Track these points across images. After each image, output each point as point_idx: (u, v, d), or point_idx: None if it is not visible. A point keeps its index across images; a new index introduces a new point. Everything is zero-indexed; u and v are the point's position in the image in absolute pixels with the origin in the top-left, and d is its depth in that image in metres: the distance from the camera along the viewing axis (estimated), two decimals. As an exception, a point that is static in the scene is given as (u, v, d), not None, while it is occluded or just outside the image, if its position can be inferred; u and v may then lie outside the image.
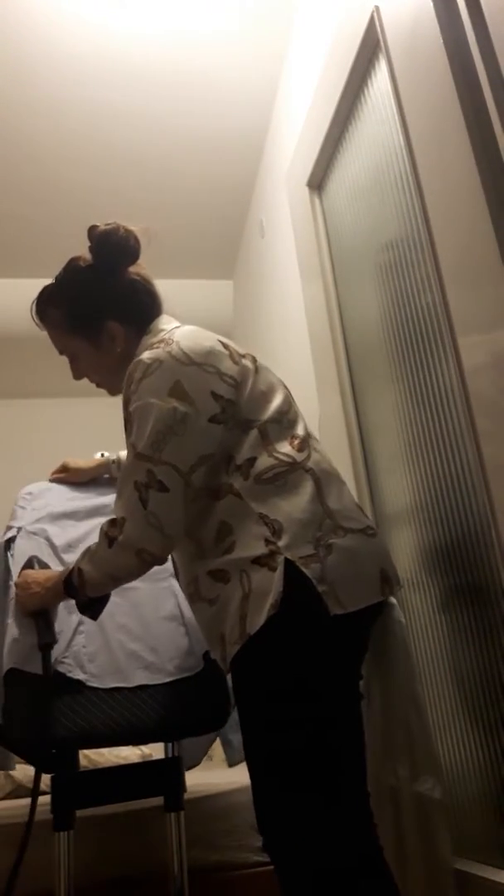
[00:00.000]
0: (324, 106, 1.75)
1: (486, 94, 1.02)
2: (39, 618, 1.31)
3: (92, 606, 1.22)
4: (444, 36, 1.10)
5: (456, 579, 1.28)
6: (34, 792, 1.23)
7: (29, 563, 1.42)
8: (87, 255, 1.31)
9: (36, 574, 1.33)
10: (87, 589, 1.17)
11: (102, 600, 1.24)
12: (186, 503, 1.08)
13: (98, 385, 1.36)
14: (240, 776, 1.69)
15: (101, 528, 1.13)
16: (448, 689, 1.33)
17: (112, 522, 1.11)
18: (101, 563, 1.13)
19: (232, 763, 1.55)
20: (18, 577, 1.35)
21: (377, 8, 1.37)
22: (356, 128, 1.65)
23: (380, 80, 1.47)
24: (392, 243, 1.45)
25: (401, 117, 1.26)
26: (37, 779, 1.22)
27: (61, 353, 1.35)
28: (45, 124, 2.35)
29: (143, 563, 1.10)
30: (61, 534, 1.60)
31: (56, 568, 1.42)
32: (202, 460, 1.09)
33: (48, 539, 1.59)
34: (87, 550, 1.17)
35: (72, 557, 1.44)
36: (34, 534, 1.58)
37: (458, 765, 1.30)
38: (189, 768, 1.56)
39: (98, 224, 1.29)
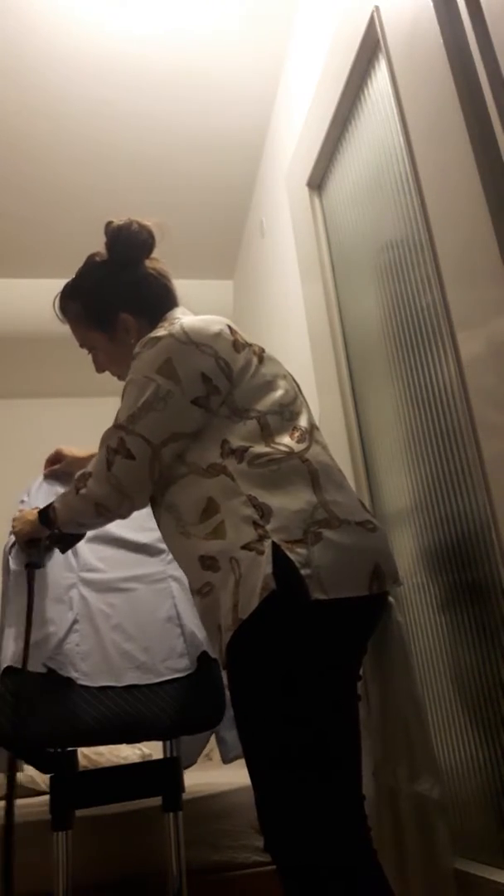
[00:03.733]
0: (324, 106, 1.75)
1: (486, 94, 1.02)
2: (31, 545, 1.46)
3: (63, 540, 1.39)
4: (444, 36, 1.10)
5: (456, 579, 1.28)
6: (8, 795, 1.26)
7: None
8: (104, 251, 1.36)
9: (29, 510, 1.47)
10: (57, 522, 1.31)
11: (74, 538, 1.40)
12: (152, 472, 1.15)
13: (119, 378, 1.37)
14: (239, 776, 1.69)
15: (75, 476, 1.25)
16: (448, 689, 1.33)
17: (83, 474, 1.23)
18: (68, 507, 1.28)
19: (226, 760, 1.55)
20: (17, 514, 1.50)
21: (377, 8, 1.37)
22: (356, 128, 1.65)
23: (380, 80, 1.47)
24: (392, 243, 1.45)
25: (401, 117, 1.26)
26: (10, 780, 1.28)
27: (82, 345, 1.41)
28: (45, 124, 2.35)
29: (99, 514, 1.21)
30: None
31: (70, 558, 1.54)
32: (176, 437, 1.14)
33: None
34: (64, 492, 1.30)
35: (87, 548, 1.57)
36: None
37: (458, 765, 1.30)
38: (185, 768, 1.56)
39: (113, 220, 1.35)
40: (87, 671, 1.36)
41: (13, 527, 1.48)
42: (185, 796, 1.43)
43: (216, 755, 1.80)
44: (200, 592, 1.11)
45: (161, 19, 2.07)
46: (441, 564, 1.32)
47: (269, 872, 1.51)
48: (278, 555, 1.00)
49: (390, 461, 1.55)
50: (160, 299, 1.34)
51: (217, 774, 1.92)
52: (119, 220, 1.35)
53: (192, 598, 1.21)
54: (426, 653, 1.39)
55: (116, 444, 1.15)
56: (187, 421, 1.14)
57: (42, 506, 1.69)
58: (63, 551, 1.45)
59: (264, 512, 1.04)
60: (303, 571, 0.99)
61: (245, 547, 1.04)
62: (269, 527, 1.03)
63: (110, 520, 1.26)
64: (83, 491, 1.21)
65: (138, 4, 2.02)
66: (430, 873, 1.11)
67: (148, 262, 1.36)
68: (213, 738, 1.60)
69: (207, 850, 1.54)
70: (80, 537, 1.42)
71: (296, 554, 1.00)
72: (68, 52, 2.12)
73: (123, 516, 1.24)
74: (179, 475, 1.15)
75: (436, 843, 1.11)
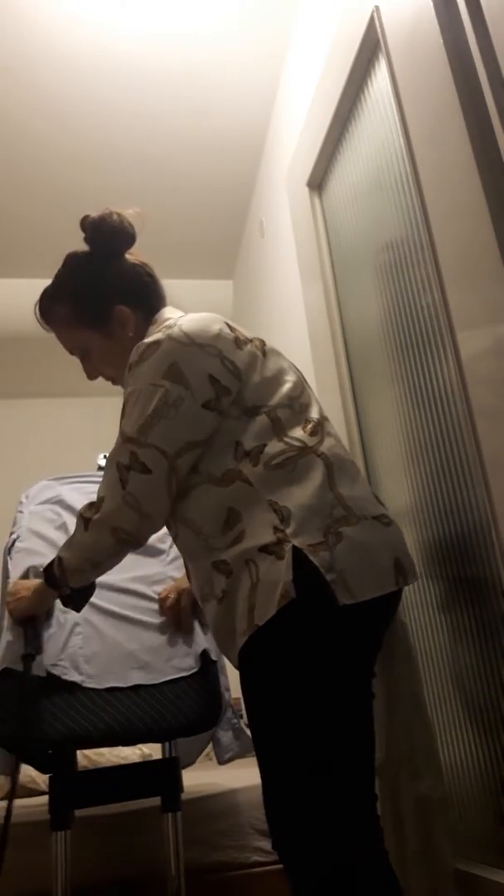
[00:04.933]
0: (324, 106, 1.75)
1: (486, 94, 1.02)
2: (28, 625, 1.32)
3: (75, 599, 1.23)
4: (444, 36, 1.10)
5: (456, 578, 1.28)
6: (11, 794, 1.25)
7: (25, 575, 1.43)
8: (84, 247, 1.30)
9: (26, 582, 1.32)
10: (67, 577, 1.17)
11: (86, 593, 1.24)
12: (170, 486, 1.07)
13: (114, 381, 1.32)
14: (239, 776, 1.69)
15: (79, 512, 1.14)
16: (448, 689, 1.33)
17: (90, 504, 1.12)
18: (78, 547, 1.14)
19: (221, 761, 1.54)
20: (11, 586, 1.36)
21: (377, 8, 1.37)
22: (356, 128, 1.65)
23: (380, 80, 1.47)
24: (392, 243, 1.45)
25: (401, 117, 1.26)
26: (14, 782, 1.24)
27: (71, 352, 1.32)
28: (45, 124, 2.35)
29: (118, 542, 1.10)
30: (82, 500, 1.63)
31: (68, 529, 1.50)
32: (190, 446, 1.07)
33: (61, 500, 1.63)
34: (67, 540, 1.18)
35: None
36: (43, 509, 1.61)
37: (458, 765, 1.30)
38: (184, 767, 1.56)
39: (89, 214, 1.29)
40: (92, 673, 1.35)
41: (8, 604, 1.32)
42: (184, 796, 1.43)
43: (216, 755, 1.80)
44: (216, 597, 1.07)
45: (161, 19, 2.07)
46: (441, 564, 1.32)
47: (268, 872, 1.52)
48: (299, 560, 0.98)
49: (390, 461, 1.55)
50: (152, 290, 1.29)
51: (217, 774, 1.92)
52: (96, 212, 1.29)
53: (204, 605, 1.16)
54: (426, 652, 1.39)
55: (128, 459, 1.07)
56: (200, 427, 1.08)
57: (40, 511, 1.67)
58: (77, 610, 1.28)
59: (284, 516, 1.02)
60: (328, 577, 0.97)
61: (263, 549, 1.01)
62: (289, 530, 1.00)
63: (128, 549, 1.14)
64: (96, 517, 1.10)
65: (138, 5, 2.02)
66: (430, 873, 1.11)
67: (130, 257, 1.31)
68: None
69: (207, 850, 1.54)
70: (91, 592, 1.26)
71: (319, 558, 0.98)
72: (68, 52, 2.12)
73: (142, 542, 1.13)
74: (191, 485, 1.10)
75: (436, 843, 1.11)
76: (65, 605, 1.25)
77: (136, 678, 1.37)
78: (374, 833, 0.97)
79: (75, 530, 1.15)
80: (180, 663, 1.40)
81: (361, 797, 0.98)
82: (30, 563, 1.47)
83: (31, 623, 1.33)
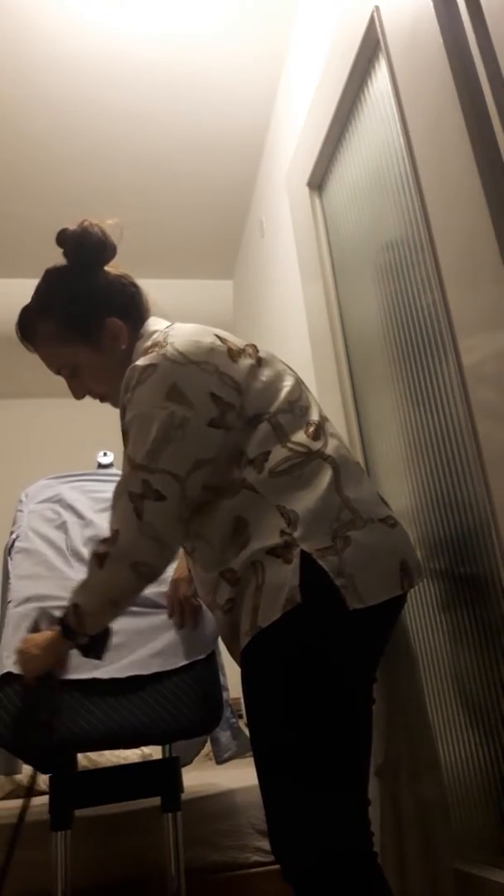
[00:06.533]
0: (324, 106, 1.75)
1: (486, 94, 1.02)
2: (43, 685, 1.23)
3: (95, 647, 1.17)
4: (444, 36, 1.10)
5: (456, 578, 1.28)
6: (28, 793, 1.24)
7: (35, 627, 1.36)
8: (63, 261, 1.26)
9: (35, 637, 1.24)
10: (85, 624, 1.11)
11: (104, 638, 1.19)
12: (182, 512, 1.05)
13: (102, 399, 1.28)
14: (239, 776, 1.69)
15: (91, 552, 1.09)
16: (448, 689, 1.33)
17: (103, 540, 1.08)
18: (95, 588, 1.09)
19: (219, 761, 1.54)
20: (20, 643, 1.26)
21: (377, 8, 1.37)
22: (356, 128, 1.65)
23: (380, 80, 1.47)
24: (392, 243, 1.45)
25: (401, 117, 1.26)
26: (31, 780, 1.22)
27: (58, 371, 1.27)
28: (45, 124, 2.35)
29: (140, 576, 1.05)
30: (82, 499, 1.62)
31: (71, 565, 1.47)
32: (198, 464, 1.05)
33: (61, 500, 1.63)
34: (78, 585, 1.12)
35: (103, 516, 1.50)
36: (43, 508, 1.60)
37: (458, 765, 1.30)
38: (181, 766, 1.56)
39: (66, 227, 1.24)
40: (111, 663, 1.33)
41: (19, 663, 1.23)
42: (184, 796, 1.43)
43: (217, 755, 1.80)
44: (220, 607, 1.08)
45: (161, 20, 2.07)
46: (441, 564, 1.32)
47: (268, 872, 1.52)
48: (307, 565, 0.98)
49: (390, 461, 1.55)
50: (138, 302, 1.27)
51: (216, 774, 1.92)
52: (74, 225, 1.24)
53: (211, 611, 1.14)
54: (426, 652, 1.39)
55: (141, 487, 1.03)
56: (208, 446, 1.06)
57: (40, 510, 1.67)
58: (100, 657, 1.19)
59: (291, 519, 1.02)
60: (337, 581, 0.97)
61: (270, 552, 1.01)
62: (296, 534, 1.00)
63: (147, 584, 1.08)
64: (112, 552, 1.05)
65: (138, 5, 2.02)
66: (430, 873, 1.11)
67: (109, 268, 1.27)
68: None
69: (207, 850, 1.54)
70: (109, 636, 1.19)
71: (328, 562, 0.98)
72: (68, 52, 2.12)
73: (160, 574, 1.08)
74: (203, 502, 1.09)
75: (436, 844, 1.11)
76: (85, 655, 1.17)
77: (156, 665, 1.35)
78: (366, 835, 0.97)
79: (88, 571, 1.09)
80: (193, 647, 1.40)
81: (354, 801, 0.98)
82: (35, 603, 1.42)
83: (46, 682, 1.23)
